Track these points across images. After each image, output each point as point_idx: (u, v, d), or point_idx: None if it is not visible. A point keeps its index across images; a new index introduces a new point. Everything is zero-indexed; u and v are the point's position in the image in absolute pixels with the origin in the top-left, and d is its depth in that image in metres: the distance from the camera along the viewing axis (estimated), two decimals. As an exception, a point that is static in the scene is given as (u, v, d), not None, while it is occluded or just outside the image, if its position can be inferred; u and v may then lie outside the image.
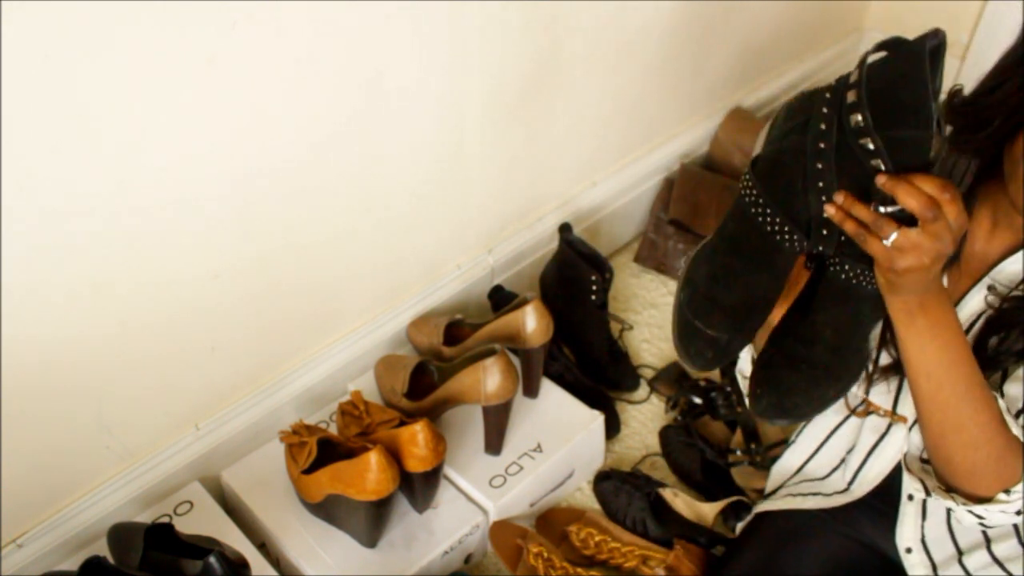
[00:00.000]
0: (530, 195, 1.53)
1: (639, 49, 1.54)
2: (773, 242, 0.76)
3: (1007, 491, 0.82)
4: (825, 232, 0.74)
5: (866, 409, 1.04)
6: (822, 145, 0.72)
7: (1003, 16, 1.90)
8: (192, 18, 0.89)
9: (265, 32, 0.96)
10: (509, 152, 1.41)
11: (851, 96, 0.70)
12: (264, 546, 1.21)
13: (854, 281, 0.76)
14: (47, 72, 0.82)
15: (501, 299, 1.47)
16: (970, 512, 0.85)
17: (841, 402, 1.10)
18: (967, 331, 0.91)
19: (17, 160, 0.84)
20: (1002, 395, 0.86)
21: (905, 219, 0.71)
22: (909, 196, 0.69)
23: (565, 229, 1.49)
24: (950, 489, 0.87)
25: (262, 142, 1.05)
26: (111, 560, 1.02)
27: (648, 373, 1.55)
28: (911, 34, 0.73)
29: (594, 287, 1.45)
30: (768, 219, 0.76)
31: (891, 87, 0.69)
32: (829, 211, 0.73)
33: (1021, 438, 0.81)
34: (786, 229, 0.75)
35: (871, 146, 0.69)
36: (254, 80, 0.99)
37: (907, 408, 1.00)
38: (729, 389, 1.41)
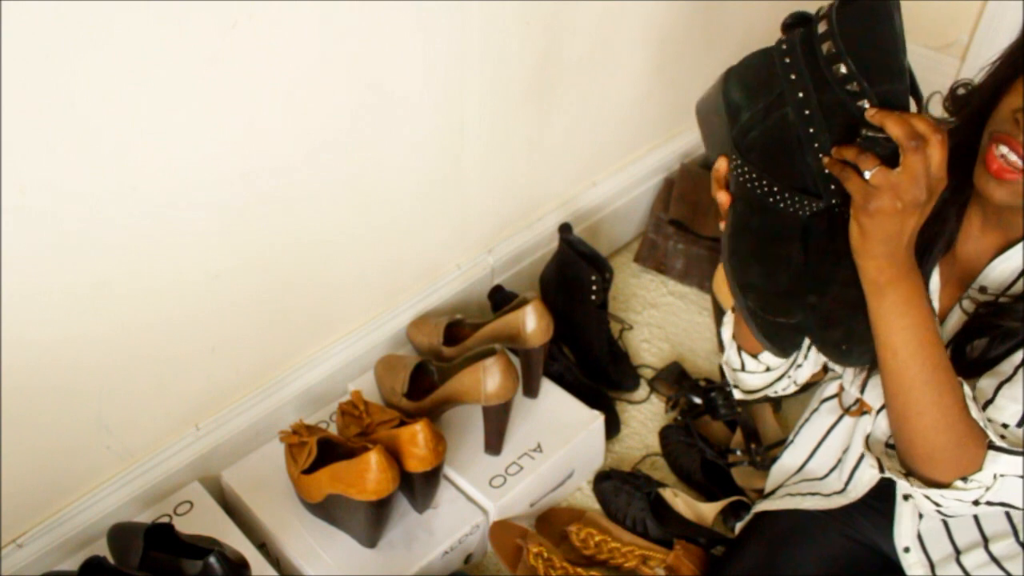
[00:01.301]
0: (530, 195, 1.53)
1: (639, 49, 1.54)
2: (796, 217, 0.79)
3: (964, 479, 0.82)
4: (833, 187, 0.77)
5: (860, 409, 1.04)
6: (807, 112, 0.76)
7: (1003, 16, 1.90)
8: (192, 18, 0.89)
9: (266, 33, 0.96)
10: (509, 152, 1.41)
11: (827, 47, 0.73)
12: (264, 546, 1.21)
13: None
14: (47, 72, 0.82)
15: (501, 299, 1.48)
16: (927, 498, 0.85)
17: (835, 402, 1.11)
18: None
19: (17, 161, 0.84)
20: (973, 386, 0.86)
21: (887, 159, 0.73)
22: (896, 124, 0.71)
23: (565, 229, 1.49)
24: (909, 473, 0.86)
25: (262, 142, 1.05)
26: (111, 560, 1.02)
27: (648, 373, 1.55)
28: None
29: (594, 287, 1.45)
30: (788, 200, 0.78)
31: (860, 41, 0.72)
32: (825, 162, 0.76)
33: (981, 423, 0.81)
34: (805, 202, 0.78)
35: (856, 88, 0.72)
36: (254, 80, 0.99)
37: None
38: (729, 389, 1.41)
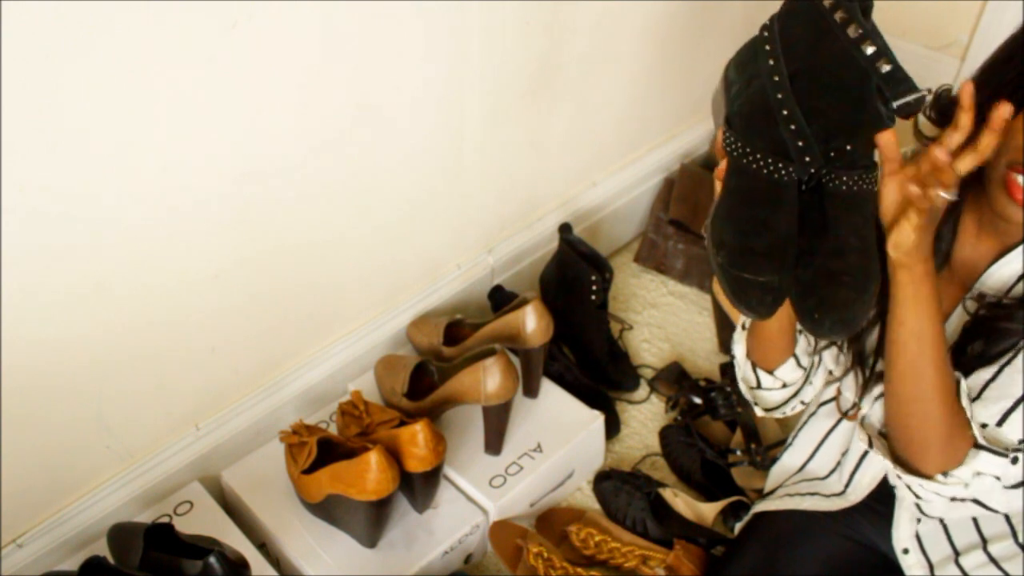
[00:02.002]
0: (530, 195, 1.53)
1: (639, 49, 1.54)
2: (774, 180, 0.81)
3: (945, 473, 0.84)
4: (808, 159, 0.79)
5: (856, 413, 1.04)
6: (776, 78, 0.79)
7: (1003, 16, 1.90)
8: (192, 18, 0.89)
9: (265, 33, 0.96)
10: (509, 152, 1.41)
11: (840, 15, 0.77)
12: (264, 546, 1.21)
13: (855, 188, 0.81)
14: (47, 72, 0.82)
15: (501, 299, 1.48)
16: (908, 487, 0.87)
17: (833, 405, 1.11)
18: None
19: (17, 161, 0.84)
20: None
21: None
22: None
23: (565, 229, 1.49)
24: (897, 460, 0.89)
25: (262, 142, 1.05)
26: (111, 560, 1.02)
27: (648, 373, 1.55)
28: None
29: (594, 287, 1.45)
30: (761, 163, 0.81)
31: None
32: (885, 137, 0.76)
33: (968, 415, 0.84)
34: (780, 165, 0.80)
35: (871, 50, 0.75)
36: (254, 81, 0.99)
37: None
38: (729, 389, 1.41)
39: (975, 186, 0.89)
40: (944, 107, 0.89)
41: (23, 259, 0.90)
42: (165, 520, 1.15)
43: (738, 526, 1.16)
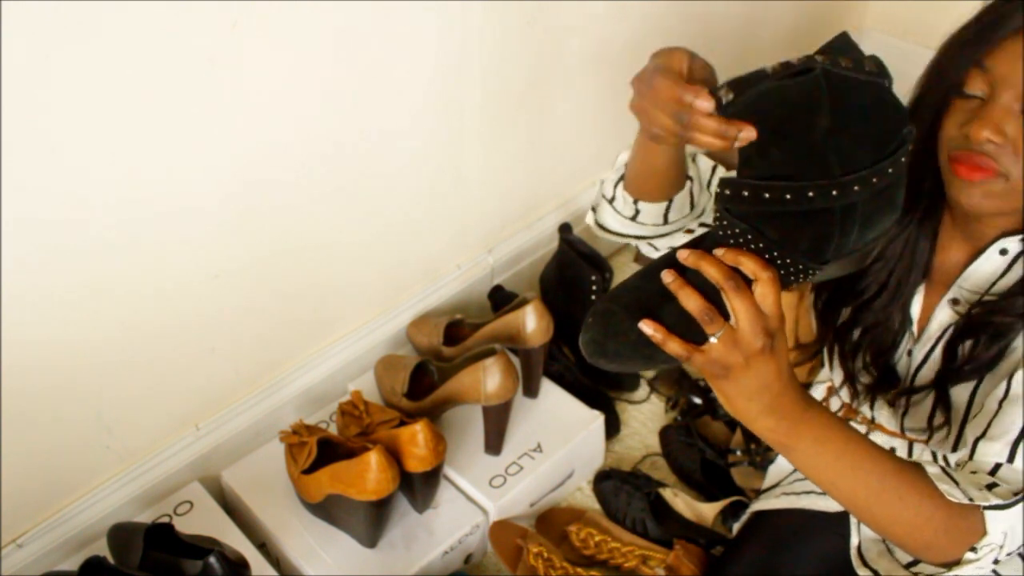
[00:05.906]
0: (530, 195, 1.53)
1: (640, 49, 1.53)
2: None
3: (974, 549, 0.77)
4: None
5: (845, 415, 1.04)
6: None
7: (1003, 16, 1.90)
8: (192, 18, 0.89)
9: (266, 34, 0.96)
10: (509, 152, 1.41)
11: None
12: (264, 546, 1.21)
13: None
14: (47, 73, 0.82)
15: (501, 299, 1.48)
16: None
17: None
18: (936, 344, 0.91)
19: (17, 162, 0.84)
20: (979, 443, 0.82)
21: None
22: (712, 266, 0.68)
23: (565, 229, 1.49)
24: (916, 561, 0.82)
25: (264, 144, 1.05)
26: (111, 560, 1.02)
27: (648, 373, 1.55)
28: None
29: (594, 287, 1.45)
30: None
31: None
32: (651, 331, 0.69)
33: (959, 497, 0.75)
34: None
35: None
36: (255, 82, 0.99)
37: (883, 417, 1.00)
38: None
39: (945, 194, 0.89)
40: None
41: (24, 260, 0.90)
42: (165, 520, 1.15)
43: (736, 526, 1.16)
